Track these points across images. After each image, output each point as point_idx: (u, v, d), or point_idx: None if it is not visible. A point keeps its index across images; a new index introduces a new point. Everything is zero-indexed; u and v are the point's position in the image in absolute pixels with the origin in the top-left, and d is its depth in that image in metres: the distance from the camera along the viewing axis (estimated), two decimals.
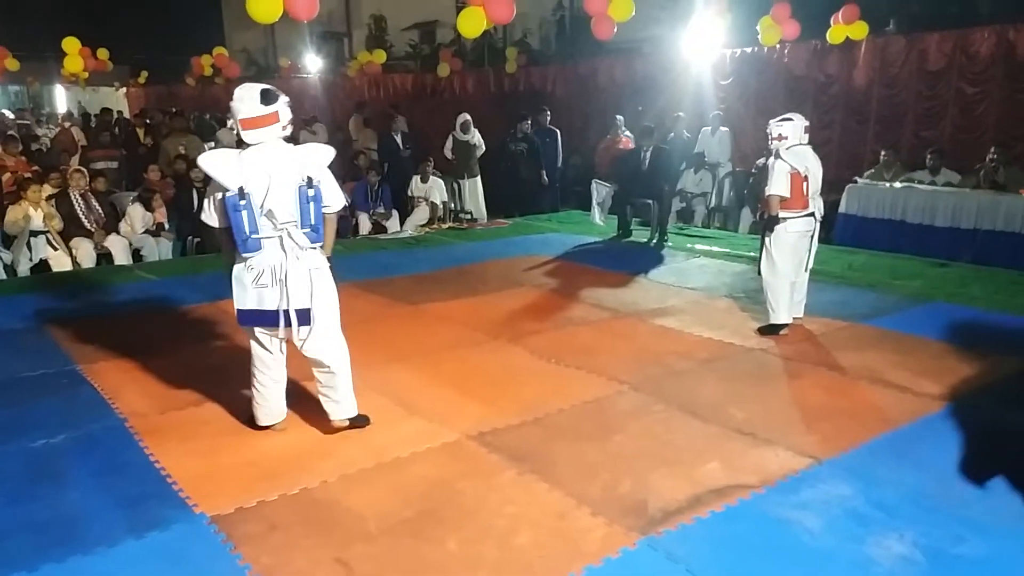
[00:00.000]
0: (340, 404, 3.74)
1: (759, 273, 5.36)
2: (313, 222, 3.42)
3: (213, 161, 3.38)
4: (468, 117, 10.53)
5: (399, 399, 4.19)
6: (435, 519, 3.00)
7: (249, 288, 3.46)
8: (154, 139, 12.04)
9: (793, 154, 5.09)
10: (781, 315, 5.27)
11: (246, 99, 3.32)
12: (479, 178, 10.74)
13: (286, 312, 3.44)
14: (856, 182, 8.61)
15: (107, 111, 14.69)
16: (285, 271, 3.42)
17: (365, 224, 9.57)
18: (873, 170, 8.81)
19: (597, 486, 3.24)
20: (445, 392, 4.31)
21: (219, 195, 3.37)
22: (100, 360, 4.84)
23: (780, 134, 5.14)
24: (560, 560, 2.73)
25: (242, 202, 3.29)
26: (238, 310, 3.51)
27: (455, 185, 10.63)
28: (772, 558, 2.75)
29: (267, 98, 3.34)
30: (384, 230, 9.59)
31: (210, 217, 3.49)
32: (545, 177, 10.67)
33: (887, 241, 8.04)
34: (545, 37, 19.81)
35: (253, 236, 3.36)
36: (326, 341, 3.60)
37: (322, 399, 3.76)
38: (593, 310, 5.97)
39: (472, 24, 8.52)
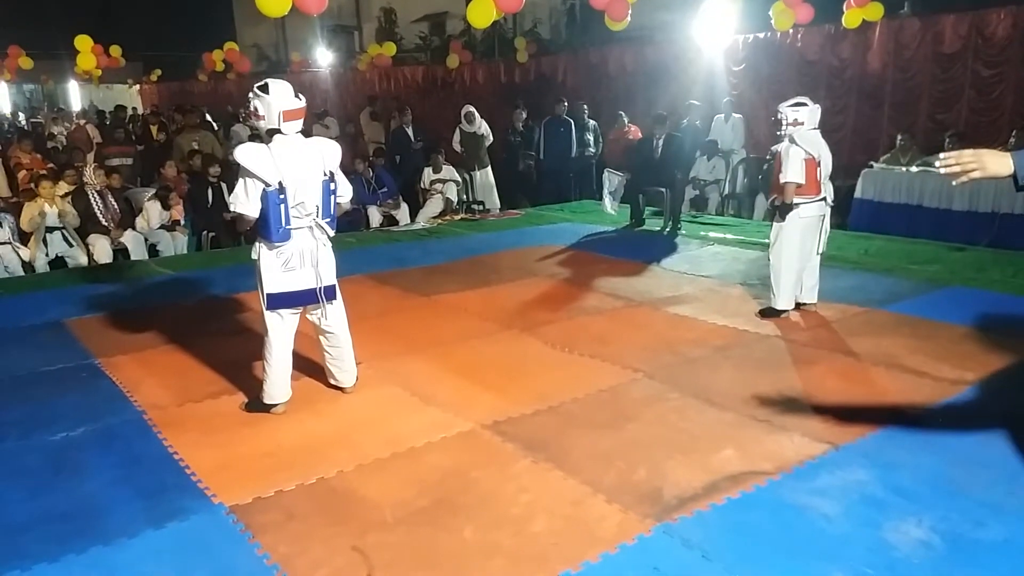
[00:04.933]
0: (349, 372, 4.15)
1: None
2: (332, 212, 3.80)
3: (251, 155, 3.56)
4: (471, 108, 10.49)
5: (414, 389, 4.20)
6: (451, 508, 3.02)
7: (279, 272, 3.70)
8: (167, 135, 12.12)
9: (807, 140, 5.05)
10: (781, 301, 5.27)
11: (283, 93, 3.60)
12: (489, 168, 10.71)
13: (317, 291, 3.77)
14: (871, 167, 8.53)
15: (121, 108, 14.80)
16: (316, 256, 3.74)
17: (375, 216, 9.56)
18: (889, 154, 8.72)
19: (612, 474, 3.24)
20: (459, 382, 4.32)
21: (257, 187, 3.56)
22: (118, 354, 4.88)
23: (796, 119, 5.07)
24: (575, 547, 2.73)
25: (281, 196, 3.55)
26: (268, 294, 3.73)
27: (467, 176, 10.61)
28: (788, 544, 2.74)
29: (296, 93, 3.63)
30: (396, 222, 9.60)
31: (246, 206, 3.61)
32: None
33: (903, 226, 7.97)
34: (555, 26, 19.70)
35: (286, 227, 3.61)
36: (340, 313, 3.99)
37: (333, 370, 4.13)
38: (606, 299, 5.96)
39: (481, 14, 8.50)
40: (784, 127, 5.11)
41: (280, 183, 3.55)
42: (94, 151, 11.17)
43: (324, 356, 4.11)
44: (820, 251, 5.35)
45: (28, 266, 7.52)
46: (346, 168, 10.24)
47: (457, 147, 10.62)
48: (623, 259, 7.29)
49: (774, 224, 5.29)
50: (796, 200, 5.10)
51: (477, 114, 10.46)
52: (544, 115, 11.02)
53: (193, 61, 19.90)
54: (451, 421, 3.79)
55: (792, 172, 5.03)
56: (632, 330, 5.19)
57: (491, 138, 10.65)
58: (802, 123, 5.07)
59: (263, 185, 3.55)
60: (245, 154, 3.55)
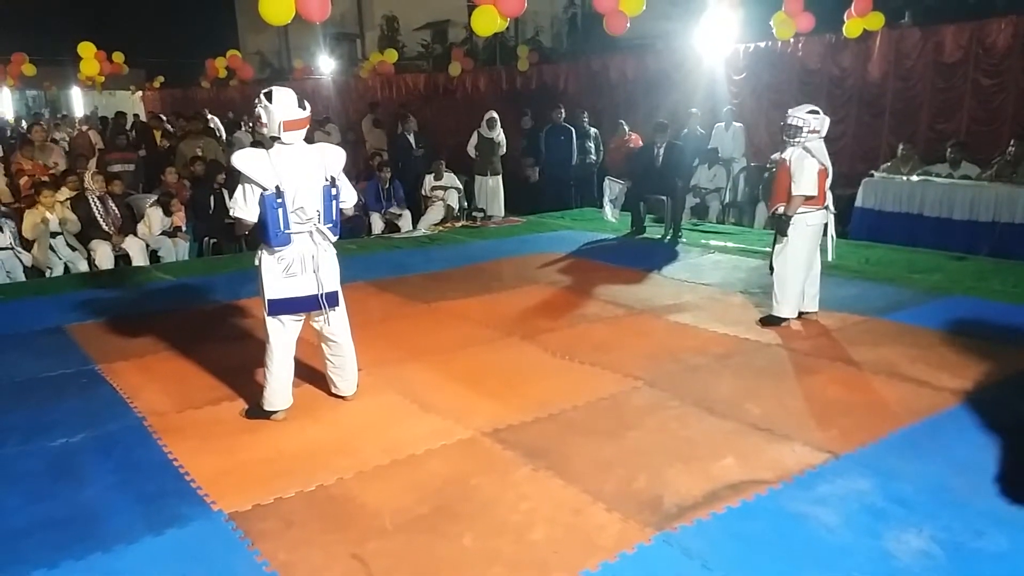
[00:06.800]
0: (350, 381, 4.14)
1: (771, 270, 5.32)
2: (335, 218, 3.75)
3: (249, 160, 3.58)
4: (495, 114, 10.53)
5: (414, 397, 4.20)
6: (450, 515, 3.01)
7: (280, 278, 3.70)
8: (170, 141, 12.13)
9: (817, 149, 5.01)
10: (785, 309, 5.26)
11: (286, 102, 3.60)
12: (500, 176, 10.73)
13: (318, 297, 3.75)
14: (872, 176, 8.54)
15: (121, 115, 14.81)
16: (317, 261, 3.72)
17: (378, 223, 9.59)
18: (889, 164, 8.72)
19: (612, 482, 3.23)
20: (460, 389, 4.32)
21: (256, 192, 3.57)
22: (119, 360, 4.88)
23: (814, 127, 5.00)
24: (575, 555, 2.73)
25: (279, 200, 3.56)
26: (269, 300, 3.73)
27: (476, 181, 10.64)
28: (788, 553, 2.73)
29: (301, 103, 3.64)
30: (397, 229, 9.62)
31: (245, 211, 3.63)
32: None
33: (904, 235, 7.96)
34: (557, 34, 19.78)
35: (285, 231, 3.61)
36: (343, 321, 3.98)
37: (335, 378, 4.12)
38: (607, 307, 5.96)
39: (485, 22, 8.50)
40: (804, 134, 5.00)
41: (277, 187, 3.55)
42: (96, 157, 11.18)
43: (326, 364, 4.11)
44: (831, 259, 5.35)
45: (32, 271, 7.53)
46: (356, 173, 10.33)
47: (472, 151, 10.63)
48: (624, 267, 7.29)
49: (777, 236, 5.26)
50: (804, 209, 5.08)
51: (499, 121, 10.49)
52: (545, 123, 11.04)
53: (196, 68, 19.96)
54: (451, 428, 3.79)
55: (806, 184, 4.97)
56: (633, 338, 5.19)
57: (505, 147, 10.67)
58: (818, 131, 5.03)
59: (261, 190, 3.56)
60: (242, 159, 3.58)
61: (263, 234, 3.64)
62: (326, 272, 3.77)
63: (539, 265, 7.47)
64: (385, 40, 21.96)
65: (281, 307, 3.75)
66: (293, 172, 3.59)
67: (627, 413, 3.95)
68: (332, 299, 3.82)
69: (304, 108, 3.65)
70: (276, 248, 3.65)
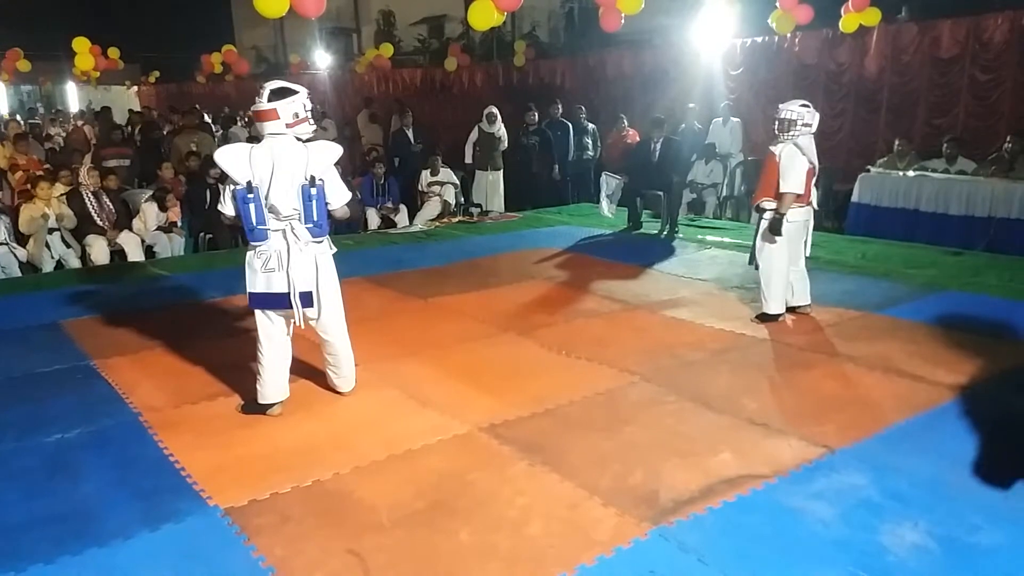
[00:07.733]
0: (346, 379, 4.13)
1: (754, 264, 5.32)
2: (316, 218, 3.66)
3: (226, 155, 3.60)
4: (495, 109, 10.49)
5: (411, 392, 4.20)
6: (447, 510, 3.01)
7: (259, 273, 3.70)
8: (149, 134, 12.07)
9: (806, 146, 5.00)
10: (773, 305, 5.26)
11: (261, 93, 3.59)
12: (501, 172, 10.70)
13: (290, 296, 3.69)
14: (869, 171, 8.54)
15: (107, 110, 14.73)
16: (289, 259, 3.65)
17: (374, 219, 9.58)
18: (886, 159, 8.73)
19: (608, 477, 3.24)
20: (456, 385, 4.32)
21: (232, 187, 3.61)
22: (114, 355, 4.87)
23: (807, 122, 4.96)
24: (572, 550, 2.73)
25: (250, 195, 3.56)
26: (249, 293, 3.75)
27: (475, 176, 10.60)
28: (784, 548, 2.74)
29: (274, 95, 3.57)
30: (393, 224, 9.60)
31: (225, 206, 3.70)
32: (557, 172, 10.63)
33: (900, 230, 7.97)
34: (554, 30, 19.76)
35: (259, 227, 3.61)
36: (335, 321, 3.91)
37: (332, 375, 4.13)
38: (604, 302, 5.96)
39: (482, 17, 8.50)
40: (798, 128, 4.97)
41: (249, 183, 3.55)
42: (91, 152, 11.14)
43: (324, 361, 4.11)
44: (807, 254, 5.35)
45: (27, 267, 7.50)
46: (352, 169, 10.29)
47: (471, 147, 10.57)
48: (620, 262, 7.29)
49: (760, 236, 5.24)
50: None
51: (499, 115, 10.46)
52: (542, 118, 11.02)
53: (191, 63, 19.89)
54: (448, 424, 3.79)
55: (795, 182, 4.95)
56: (629, 333, 5.20)
57: (506, 142, 10.65)
58: (809, 125, 5.01)
59: (235, 185, 3.59)
60: (220, 154, 3.61)
61: (242, 229, 3.68)
62: (299, 272, 3.66)
63: (536, 261, 7.46)
64: (381, 35, 21.91)
65: (259, 301, 3.76)
66: (266, 167, 3.54)
67: (623, 408, 3.96)
68: (305, 299, 3.70)
69: (271, 100, 3.52)
70: (254, 243, 3.67)
